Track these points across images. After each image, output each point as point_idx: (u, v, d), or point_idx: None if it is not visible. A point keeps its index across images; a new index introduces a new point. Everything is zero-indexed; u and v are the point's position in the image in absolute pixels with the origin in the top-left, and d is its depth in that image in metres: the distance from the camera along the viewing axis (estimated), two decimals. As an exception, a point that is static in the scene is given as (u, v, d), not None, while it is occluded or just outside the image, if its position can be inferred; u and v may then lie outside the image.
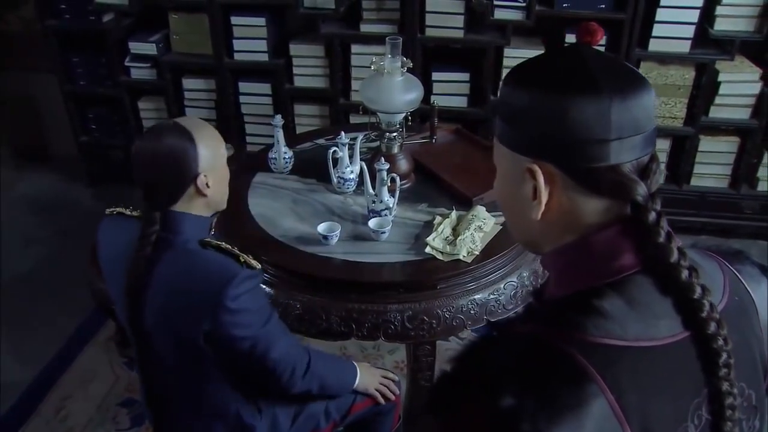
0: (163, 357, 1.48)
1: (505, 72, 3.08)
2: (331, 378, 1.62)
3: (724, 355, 0.72)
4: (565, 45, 0.80)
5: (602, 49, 3.04)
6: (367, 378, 1.73)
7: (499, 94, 0.80)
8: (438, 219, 1.89)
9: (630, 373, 0.68)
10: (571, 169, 0.74)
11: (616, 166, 0.72)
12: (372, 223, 1.84)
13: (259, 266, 1.45)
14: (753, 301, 0.83)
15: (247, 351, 1.41)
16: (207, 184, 1.43)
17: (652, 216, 0.73)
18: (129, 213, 1.51)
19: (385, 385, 1.77)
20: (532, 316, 0.80)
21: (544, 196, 0.76)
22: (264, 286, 1.74)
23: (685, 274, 0.72)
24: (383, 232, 1.82)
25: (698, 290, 0.72)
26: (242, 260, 1.42)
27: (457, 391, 0.72)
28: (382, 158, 1.90)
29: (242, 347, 1.40)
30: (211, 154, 1.43)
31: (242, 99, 3.38)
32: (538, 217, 0.77)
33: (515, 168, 0.78)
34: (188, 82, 3.39)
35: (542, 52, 0.86)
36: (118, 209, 1.53)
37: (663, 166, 0.78)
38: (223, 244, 1.44)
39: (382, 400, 1.76)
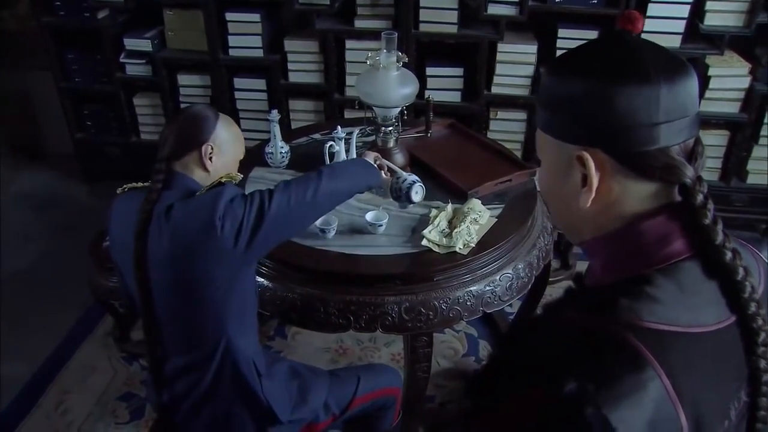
0: (166, 323, 1.52)
1: (498, 66, 3.11)
2: (349, 175, 1.65)
3: (763, 335, 0.74)
4: (607, 33, 0.80)
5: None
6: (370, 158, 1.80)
7: (541, 85, 0.81)
8: (434, 212, 1.91)
9: (683, 358, 0.70)
10: (621, 154, 0.75)
11: (666, 149, 0.74)
12: (369, 216, 1.87)
13: (239, 176, 1.60)
14: None
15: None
16: (211, 157, 1.53)
17: (700, 198, 0.74)
18: (140, 185, 1.57)
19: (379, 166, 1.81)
20: (581, 302, 0.80)
21: (595, 183, 0.77)
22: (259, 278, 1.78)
23: (729, 256, 0.74)
24: (380, 225, 1.84)
25: (741, 272, 0.74)
26: (224, 180, 1.51)
27: (513, 377, 0.73)
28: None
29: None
30: (226, 138, 1.57)
31: (237, 95, 3.40)
32: (588, 204, 0.78)
33: (562, 157, 0.79)
34: (183, 78, 3.41)
35: (590, 40, 0.85)
36: (129, 185, 1.58)
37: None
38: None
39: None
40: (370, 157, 1.81)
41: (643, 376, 0.67)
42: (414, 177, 1.84)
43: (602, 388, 0.65)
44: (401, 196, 1.83)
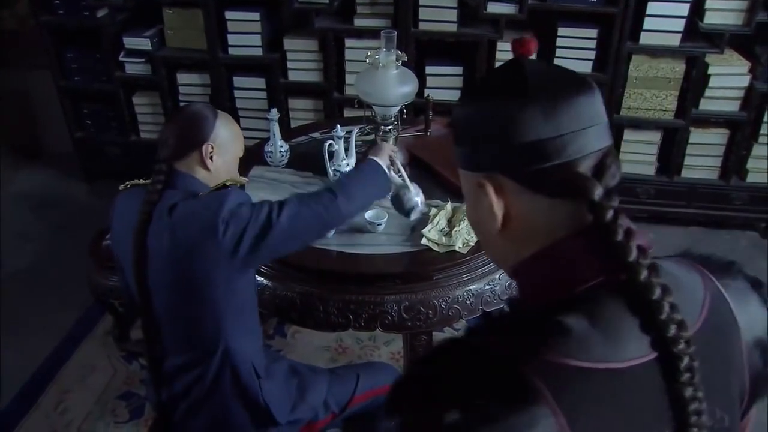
0: (165, 322, 1.52)
1: (498, 65, 3.10)
2: (364, 194, 1.64)
3: (687, 359, 0.67)
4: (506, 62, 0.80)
5: (593, 43, 3.08)
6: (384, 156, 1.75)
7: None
8: (433, 211, 1.91)
9: (588, 396, 0.65)
10: (516, 175, 0.73)
11: (565, 164, 0.71)
12: (368, 215, 1.86)
13: (245, 180, 1.62)
14: (735, 321, 0.77)
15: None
16: (211, 156, 1.54)
17: (609, 214, 0.70)
18: (142, 182, 1.58)
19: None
20: (494, 327, 0.76)
21: (498, 208, 0.75)
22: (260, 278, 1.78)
23: (644, 275, 0.68)
24: (379, 224, 1.84)
25: (657, 291, 0.68)
26: (228, 184, 1.53)
27: (410, 397, 0.70)
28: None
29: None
30: (226, 136, 1.58)
31: (237, 93, 3.40)
32: (497, 228, 0.77)
33: (472, 187, 0.78)
34: (183, 77, 3.40)
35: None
36: (131, 182, 1.60)
37: (620, 165, 0.75)
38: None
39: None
40: (385, 153, 1.76)
41: (535, 414, 0.62)
42: (420, 198, 1.78)
43: (485, 422, 0.61)
44: (401, 208, 1.79)
